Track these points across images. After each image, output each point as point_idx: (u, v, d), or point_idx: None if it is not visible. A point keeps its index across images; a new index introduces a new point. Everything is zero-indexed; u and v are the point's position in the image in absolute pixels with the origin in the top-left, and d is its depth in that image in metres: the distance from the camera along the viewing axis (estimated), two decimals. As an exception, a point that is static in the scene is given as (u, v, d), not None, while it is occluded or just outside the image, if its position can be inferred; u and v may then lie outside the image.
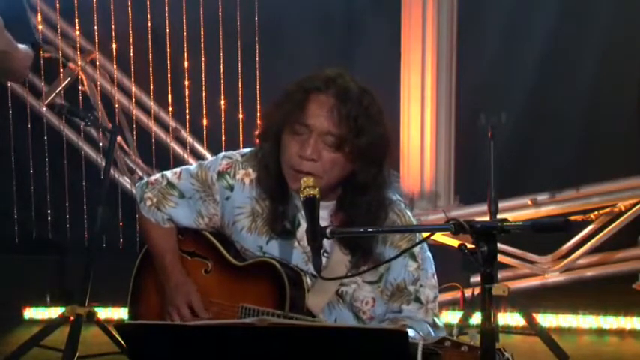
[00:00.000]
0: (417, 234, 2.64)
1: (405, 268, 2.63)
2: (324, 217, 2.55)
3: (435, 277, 2.69)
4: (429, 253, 2.70)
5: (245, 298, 2.61)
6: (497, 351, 2.10)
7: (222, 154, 2.77)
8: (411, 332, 2.29)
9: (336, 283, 2.61)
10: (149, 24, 5.95)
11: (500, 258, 5.31)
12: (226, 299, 2.65)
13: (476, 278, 4.98)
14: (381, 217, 2.59)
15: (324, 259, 2.57)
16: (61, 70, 6.05)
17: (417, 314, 2.64)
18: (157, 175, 2.82)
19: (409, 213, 2.69)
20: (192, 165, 2.80)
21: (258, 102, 5.82)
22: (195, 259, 2.75)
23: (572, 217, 5.43)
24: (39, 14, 6.04)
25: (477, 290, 4.28)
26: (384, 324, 2.64)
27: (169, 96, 6.00)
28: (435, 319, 2.67)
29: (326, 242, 2.43)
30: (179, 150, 6.05)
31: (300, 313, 2.54)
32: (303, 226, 2.55)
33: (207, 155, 5.90)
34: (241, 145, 5.62)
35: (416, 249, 2.64)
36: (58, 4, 6.04)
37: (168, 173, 2.80)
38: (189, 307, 2.68)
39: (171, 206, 2.75)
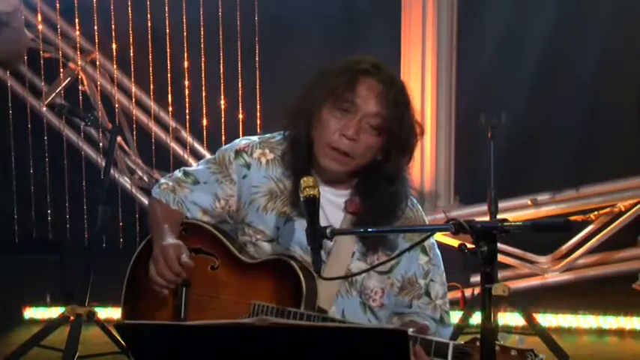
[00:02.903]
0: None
1: (415, 261, 2.65)
2: (339, 204, 2.58)
3: (444, 275, 2.72)
4: (438, 251, 2.73)
5: (257, 296, 2.58)
6: (530, 352, 2.11)
7: (241, 137, 2.80)
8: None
9: (343, 270, 2.60)
10: (149, 24, 5.96)
11: (501, 258, 5.31)
12: (237, 296, 2.62)
13: (476, 278, 4.98)
14: (401, 208, 2.63)
15: (330, 243, 2.56)
16: (61, 70, 6.05)
17: (426, 310, 2.66)
18: (176, 171, 2.84)
19: (420, 208, 2.73)
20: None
21: (258, 102, 5.83)
22: (200, 255, 2.70)
23: (572, 217, 5.43)
24: (39, 14, 6.05)
25: (477, 290, 4.28)
26: (389, 323, 2.65)
27: (169, 96, 6.01)
28: (444, 315, 2.69)
29: (338, 220, 2.52)
30: (179, 150, 6.05)
31: (312, 309, 2.52)
32: (324, 208, 2.54)
33: (207, 155, 5.88)
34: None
35: (427, 243, 2.67)
36: (58, 4, 6.04)
37: (185, 167, 2.85)
38: (177, 259, 2.55)
39: (186, 192, 2.74)
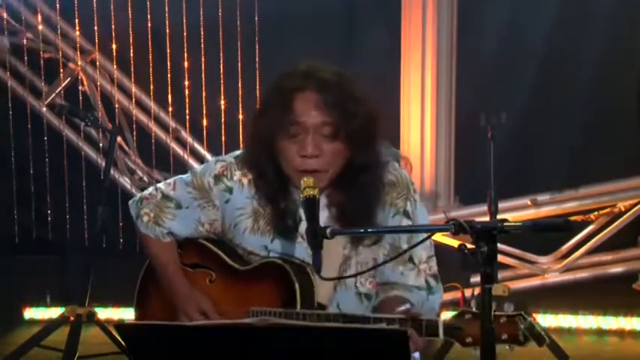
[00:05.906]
0: (412, 189, 2.69)
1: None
2: (322, 201, 2.57)
3: (430, 239, 2.67)
4: (424, 210, 2.73)
5: (254, 302, 2.58)
6: (519, 317, 2.10)
7: (214, 158, 2.78)
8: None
9: (338, 263, 2.62)
10: (149, 24, 5.95)
11: (501, 258, 5.30)
12: (235, 306, 2.62)
13: (476, 278, 4.98)
14: (380, 193, 2.63)
15: None
16: (61, 70, 6.05)
17: (409, 278, 2.64)
18: (150, 189, 2.80)
19: (403, 170, 2.72)
20: (185, 174, 2.78)
21: (258, 102, 5.82)
22: (197, 270, 2.74)
23: (572, 217, 5.43)
24: (39, 14, 6.05)
25: (477, 290, 4.27)
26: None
27: (169, 96, 6.00)
28: (429, 280, 2.68)
29: (322, 218, 2.47)
30: (179, 150, 6.05)
31: (310, 306, 2.53)
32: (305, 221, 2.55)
33: (207, 155, 5.90)
34: (241, 146, 5.62)
35: (409, 207, 2.68)
36: (58, 4, 6.04)
37: (161, 185, 2.79)
38: (203, 314, 2.67)
39: (170, 219, 2.74)
